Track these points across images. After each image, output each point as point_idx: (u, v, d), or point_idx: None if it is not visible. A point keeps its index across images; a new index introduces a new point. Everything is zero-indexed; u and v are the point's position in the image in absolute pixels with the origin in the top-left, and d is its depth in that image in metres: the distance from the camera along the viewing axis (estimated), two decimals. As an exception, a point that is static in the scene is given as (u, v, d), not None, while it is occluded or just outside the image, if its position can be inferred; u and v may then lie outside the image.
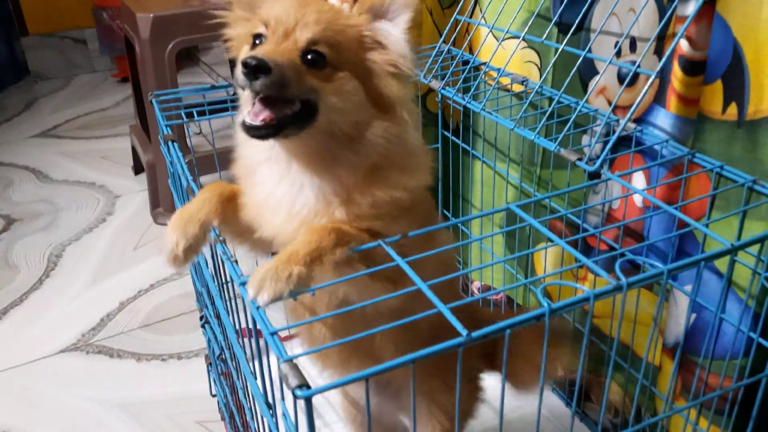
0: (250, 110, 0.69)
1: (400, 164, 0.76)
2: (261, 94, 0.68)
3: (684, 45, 0.91)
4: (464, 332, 0.56)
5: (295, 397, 0.52)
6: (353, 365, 0.85)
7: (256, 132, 0.69)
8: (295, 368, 0.53)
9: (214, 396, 1.38)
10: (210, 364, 1.32)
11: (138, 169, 2.56)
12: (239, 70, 0.66)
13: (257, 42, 0.74)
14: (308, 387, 0.52)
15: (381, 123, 0.74)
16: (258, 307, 0.62)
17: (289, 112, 0.70)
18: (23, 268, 2.01)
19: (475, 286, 1.63)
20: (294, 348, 1.50)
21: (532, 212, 1.26)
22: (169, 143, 1.03)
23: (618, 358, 1.13)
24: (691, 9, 0.87)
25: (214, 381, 1.32)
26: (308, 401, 0.52)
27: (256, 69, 0.65)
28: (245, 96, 0.76)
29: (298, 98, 0.70)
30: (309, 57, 0.70)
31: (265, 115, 0.69)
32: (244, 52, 0.76)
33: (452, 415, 0.96)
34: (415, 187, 0.77)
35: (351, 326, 0.79)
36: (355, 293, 0.74)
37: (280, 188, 0.77)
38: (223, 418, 1.36)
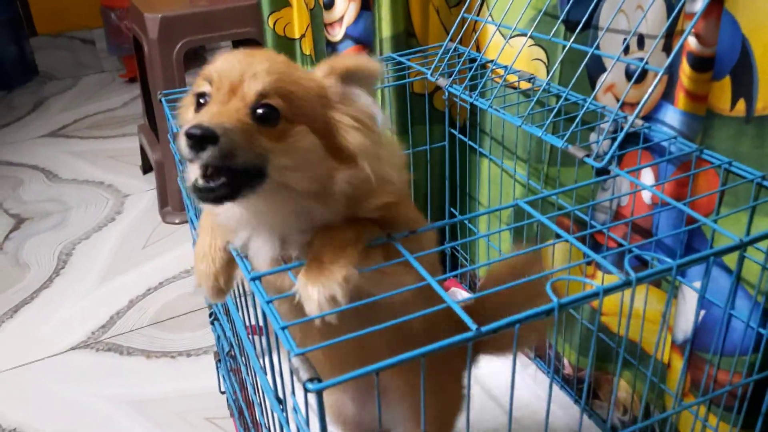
0: (198, 175, 0.62)
1: (382, 179, 0.71)
2: (209, 165, 0.61)
3: (692, 41, 0.91)
4: (474, 327, 0.57)
5: (306, 390, 0.52)
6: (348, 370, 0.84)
7: (210, 194, 0.62)
8: (307, 362, 0.54)
9: (223, 393, 1.39)
10: (219, 360, 1.33)
11: (146, 168, 2.57)
12: (182, 141, 0.59)
13: (201, 101, 0.67)
14: (319, 380, 0.52)
15: (345, 173, 0.68)
16: (268, 302, 0.62)
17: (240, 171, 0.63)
18: (33, 266, 2.03)
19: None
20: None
21: (539, 210, 1.26)
22: (179, 141, 1.04)
23: (627, 355, 1.14)
24: (699, 5, 0.87)
25: (223, 377, 1.33)
26: (319, 395, 0.52)
27: (201, 139, 0.59)
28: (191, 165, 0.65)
29: (246, 165, 0.62)
30: (260, 112, 0.63)
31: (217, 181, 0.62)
32: (188, 117, 0.70)
33: (439, 415, 0.96)
34: (400, 185, 0.74)
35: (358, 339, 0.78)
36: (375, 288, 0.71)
37: (258, 246, 0.71)
38: (232, 415, 1.37)
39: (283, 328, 0.59)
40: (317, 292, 0.62)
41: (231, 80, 0.64)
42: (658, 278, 0.98)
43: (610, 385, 1.28)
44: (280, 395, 0.69)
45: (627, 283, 0.62)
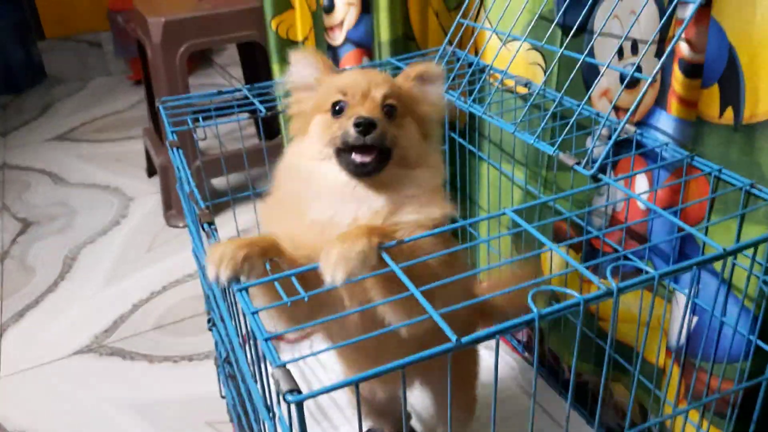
0: (354, 155, 0.82)
1: (436, 192, 0.88)
2: (369, 143, 0.82)
3: (684, 48, 0.91)
4: (453, 338, 0.57)
5: (287, 402, 0.53)
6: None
7: (365, 168, 0.82)
8: (288, 374, 0.55)
9: (224, 397, 1.40)
10: (219, 366, 1.34)
11: (151, 171, 2.59)
12: (351, 129, 0.81)
13: (337, 108, 0.86)
14: (299, 392, 0.53)
15: (435, 153, 0.92)
16: (254, 313, 0.63)
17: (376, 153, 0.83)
18: (39, 270, 2.05)
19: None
20: (303, 350, 1.51)
21: (537, 214, 1.26)
22: (175, 149, 1.05)
23: (621, 359, 1.13)
24: (689, 11, 0.87)
25: (223, 383, 1.34)
26: (299, 406, 0.53)
27: (368, 126, 0.81)
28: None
29: (386, 145, 0.84)
30: (386, 109, 0.86)
31: (367, 157, 0.82)
32: (322, 121, 0.88)
33: (467, 405, 1.12)
34: (445, 214, 0.86)
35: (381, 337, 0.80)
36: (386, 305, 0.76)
37: (345, 210, 0.83)
38: (232, 420, 1.38)
39: (266, 340, 0.59)
40: (335, 254, 0.67)
41: (362, 90, 0.86)
42: (641, 288, 0.98)
43: (610, 390, 1.28)
44: (269, 404, 0.69)
45: (608, 293, 0.62)
